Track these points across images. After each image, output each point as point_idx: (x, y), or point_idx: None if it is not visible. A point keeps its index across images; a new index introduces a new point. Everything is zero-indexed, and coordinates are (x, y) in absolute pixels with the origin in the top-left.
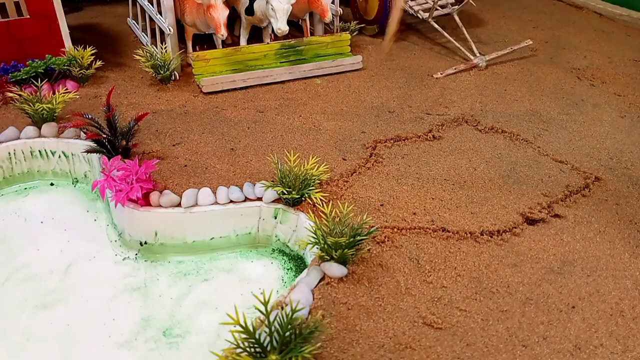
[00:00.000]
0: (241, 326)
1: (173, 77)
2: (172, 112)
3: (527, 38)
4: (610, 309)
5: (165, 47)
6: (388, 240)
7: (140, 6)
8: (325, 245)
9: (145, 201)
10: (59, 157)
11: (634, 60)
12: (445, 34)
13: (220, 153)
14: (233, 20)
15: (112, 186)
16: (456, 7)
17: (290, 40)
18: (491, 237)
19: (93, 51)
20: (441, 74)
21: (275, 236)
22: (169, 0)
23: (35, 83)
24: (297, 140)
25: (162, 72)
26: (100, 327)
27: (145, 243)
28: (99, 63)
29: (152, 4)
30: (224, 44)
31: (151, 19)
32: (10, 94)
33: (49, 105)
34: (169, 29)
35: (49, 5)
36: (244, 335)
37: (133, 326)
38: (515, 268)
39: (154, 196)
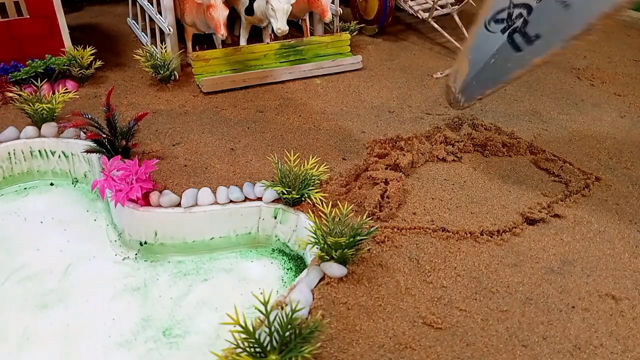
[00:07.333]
0: (241, 326)
1: (173, 77)
2: (172, 112)
3: None
4: (610, 309)
5: (165, 47)
6: (388, 240)
7: (140, 6)
8: (325, 245)
9: (145, 201)
10: (59, 157)
11: (633, 60)
12: (445, 34)
13: (220, 153)
14: (233, 20)
15: (112, 186)
16: (456, 7)
17: (290, 40)
18: (491, 237)
19: (93, 51)
20: (441, 73)
21: (275, 236)
22: (168, 0)
23: (35, 83)
24: (297, 140)
25: (162, 72)
26: (100, 327)
27: (145, 243)
28: (98, 63)
29: (152, 4)
30: (224, 44)
31: (151, 19)
32: (10, 94)
33: (49, 105)
34: (169, 29)
35: (49, 5)
36: (243, 335)
37: (133, 326)
38: (515, 268)
39: (153, 196)
